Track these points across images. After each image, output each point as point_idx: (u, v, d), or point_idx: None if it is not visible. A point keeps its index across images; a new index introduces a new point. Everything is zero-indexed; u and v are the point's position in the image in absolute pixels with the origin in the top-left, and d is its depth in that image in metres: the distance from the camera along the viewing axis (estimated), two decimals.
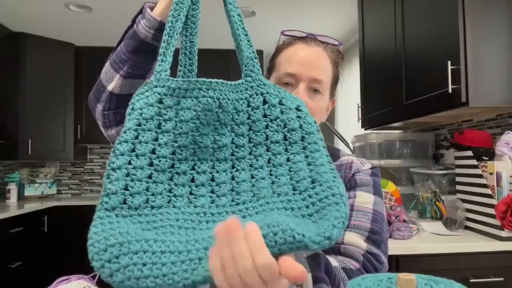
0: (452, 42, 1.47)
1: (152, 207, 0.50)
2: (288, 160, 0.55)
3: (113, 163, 0.50)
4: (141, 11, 0.67)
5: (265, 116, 0.57)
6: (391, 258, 1.38)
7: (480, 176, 1.54)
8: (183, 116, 0.54)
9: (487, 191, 1.49)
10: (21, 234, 2.91)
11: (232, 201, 0.53)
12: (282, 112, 0.57)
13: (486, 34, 1.46)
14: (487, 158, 1.56)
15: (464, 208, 1.65)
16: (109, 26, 3.44)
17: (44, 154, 3.62)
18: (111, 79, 0.69)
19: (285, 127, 0.56)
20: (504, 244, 1.42)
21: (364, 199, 0.76)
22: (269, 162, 0.55)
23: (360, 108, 2.44)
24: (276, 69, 0.80)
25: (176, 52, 0.58)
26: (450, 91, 1.44)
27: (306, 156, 0.55)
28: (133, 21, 0.68)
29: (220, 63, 3.84)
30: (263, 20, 3.34)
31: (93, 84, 0.75)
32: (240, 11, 0.61)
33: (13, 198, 3.47)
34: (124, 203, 0.49)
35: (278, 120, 0.56)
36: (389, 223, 1.57)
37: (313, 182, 0.52)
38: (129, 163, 0.50)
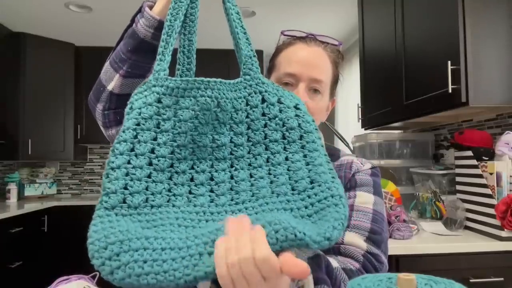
0: (452, 42, 1.47)
1: (152, 206, 0.50)
2: (286, 159, 0.55)
3: (112, 162, 0.50)
4: (140, 10, 0.67)
5: (263, 114, 0.57)
6: (391, 258, 1.38)
7: (480, 176, 1.54)
8: (181, 115, 0.54)
9: (487, 191, 1.49)
10: (21, 234, 2.91)
11: (232, 200, 0.53)
12: (280, 111, 0.57)
13: (486, 34, 1.46)
14: (487, 158, 1.56)
15: (464, 208, 1.65)
16: (109, 26, 3.44)
17: (44, 154, 3.62)
18: (110, 79, 0.69)
19: (283, 125, 0.56)
20: (504, 244, 1.42)
21: (364, 199, 0.76)
22: (267, 161, 0.55)
23: (360, 108, 2.44)
24: (276, 69, 0.80)
25: (175, 51, 0.58)
26: (450, 91, 1.44)
27: (305, 156, 0.55)
28: (132, 20, 0.68)
29: (220, 63, 3.84)
30: (263, 20, 3.34)
31: (93, 84, 0.75)
32: (238, 9, 0.61)
33: (13, 198, 3.47)
34: (124, 202, 0.49)
35: (276, 118, 0.56)
36: (389, 223, 1.57)
37: (312, 182, 0.52)
38: (129, 162, 0.51)
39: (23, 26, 3.46)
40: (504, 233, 1.43)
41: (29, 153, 3.48)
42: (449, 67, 1.44)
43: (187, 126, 0.54)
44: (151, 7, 0.65)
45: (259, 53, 3.79)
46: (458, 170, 1.70)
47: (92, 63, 3.66)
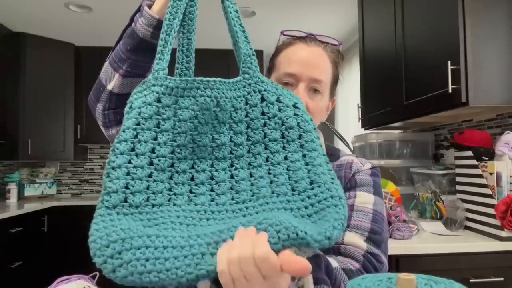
0: (452, 42, 1.46)
1: (153, 205, 0.50)
2: (286, 158, 0.55)
3: (113, 162, 0.50)
4: (139, 9, 0.66)
5: (263, 113, 0.57)
6: (391, 258, 1.38)
7: (480, 176, 1.54)
8: (181, 115, 0.54)
9: (487, 191, 1.49)
10: (21, 234, 2.91)
11: (232, 199, 0.53)
12: (280, 110, 0.57)
13: (486, 34, 1.46)
14: (487, 158, 1.56)
15: (464, 208, 1.65)
16: (109, 26, 3.44)
17: (44, 154, 3.62)
18: (110, 79, 0.69)
19: (283, 124, 0.56)
20: (504, 244, 1.42)
21: (364, 199, 0.76)
22: (267, 161, 0.55)
23: (360, 108, 2.44)
24: (276, 69, 0.80)
25: (174, 50, 0.57)
26: (450, 91, 1.44)
27: (304, 155, 0.55)
28: (131, 20, 0.68)
29: (220, 63, 3.84)
30: (263, 20, 3.34)
31: (93, 84, 0.74)
32: (237, 7, 0.61)
33: (13, 198, 3.46)
34: (125, 201, 0.49)
35: (276, 118, 0.56)
36: (389, 223, 1.57)
37: (311, 183, 0.53)
38: (129, 162, 0.51)
39: (23, 26, 3.46)
40: (504, 233, 1.43)
41: (29, 153, 3.47)
42: (449, 67, 1.44)
43: (187, 125, 0.54)
44: (150, 6, 0.65)
45: (259, 53, 3.79)
46: (458, 170, 1.70)
47: (92, 63, 3.66)
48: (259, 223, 0.46)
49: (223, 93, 0.55)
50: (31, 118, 3.51)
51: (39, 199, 3.64)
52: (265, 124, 0.56)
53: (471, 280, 1.38)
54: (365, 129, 2.43)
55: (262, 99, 0.57)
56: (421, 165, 2.10)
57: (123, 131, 0.52)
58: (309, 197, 0.51)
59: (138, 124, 0.52)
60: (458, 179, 1.70)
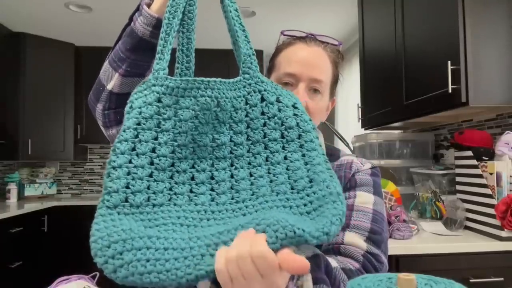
0: (452, 42, 1.47)
1: (154, 205, 0.50)
2: (285, 158, 0.55)
3: (114, 161, 0.50)
4: (138, 8, 0.66)
5: (263, 113, 0.57)
6: (391, 258, 1.38)
7: (480, 176, 1.54)
8: (182, 115, 0.54)
9: (487, 191, 1.49)
10: (21, 234, 2.91)
11: (232, 199, 0.53)
12: (279, 110, 0.57)
13: (486, 34, 1.46)
14: (487, 158, 1.56)
15: (464, 208, 1.65)
16: (109, 26, 3.44)
17: (44, 154, 3.62)
18: (110, 78, 0.69)
19: (282, 125, 0.56)
20: (504, 244, 1.42)
21: (364, 199, 0.76)
22: (267, 160, 0.55)
23: (360, 108, 2.44)
24: (276, 69, 0.80)
25: (173, 50, 0.57)
26: (450, 91, 1.44)
27: (303, 155, 0.55)
28: (131, 19, 0.68)
29: (220, 63, 3.84)
30: (263, 20, 3.34)
31: (93, 84, 0.74)
32: (237, 6, 0.61)
33: (13, 198, 3.47)
34: (126, 201, 0.49)
35: (275, 118, 0.57)
36: (389, 223, 1.57)
37: (310, 181, 0.53)
38: (130, 161, 0.51)
39: (23, 26, 3.46)
40: (504, 233, 1.43)
41: (29, 153, 3.48)
42: (449, 67, 1.44)
43: (188, 125, 0.54)
44: (149, 5, 0.65)
45: (259, 53, 3.79)
46: (458, 170, 1.70)
47: (92, 63, 3.65)
48: (257, 224, 0.46)
49: (224, 93, 0.55)
50: (31, 118, 3.51)
51: (39, 199, 3.64)
52: (265, 124, 0.56)
53: (471, 280, 1.38)
54: (365, 129, 2.43)
55: (262, 99, 0.57)
56: (421, 165, 2.10)
57: (124, 131, 0.52)
58: (308, 195, 0.52)
59: (138, 124, 0.53)
60: (458, 179, 1.70)
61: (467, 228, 1.65)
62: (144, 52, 0.66)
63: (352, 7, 2.93)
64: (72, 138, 3.77)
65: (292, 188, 0.53)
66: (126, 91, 0.69)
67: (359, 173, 0.80)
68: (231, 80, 0.56)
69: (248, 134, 0.56)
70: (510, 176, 1.44)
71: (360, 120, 2.44)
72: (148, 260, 0.44)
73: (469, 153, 1.60)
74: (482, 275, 1.40)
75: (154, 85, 0.54)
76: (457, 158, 1.70)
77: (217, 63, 3.83)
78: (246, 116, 0.56)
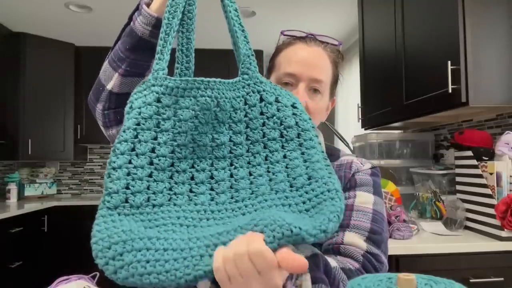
0: (452, 42, 1.47)
1: (154, 206, 0.51)
2: (284, 157, 0.56)
3: (114, 162, 0.50)
4: (137, 8, 0.66)
5: (262, 113, 0.57)
6: (391, 258, 1.38)
7: (480, 176, 1.54)
8: (181, 115, 0.54)
9: (487, 191, 1.49)
10: (21, 234, 2.91)
11: (231, 198, 0.53)
12: (278, 110, 0.57)
13: (486, 34, 1.46)
14: (487, 158, 1.56)
15: (464, 208, 1.65)
16: (109, 26, 3.44)
17: (44, 154, 3.62)
18: (110, 78, 0.69)
19: (281, 124, 0.57)
20: (504, 244, 1.42)
21: (364, 199, 0.76)
22: (266, 160, 0.56)
23: (360, 108, 2.44)
24: (276, 69, 0.80)
25: (173, 50, 0.58)
26: (450, 91, 1.44)
27: (302, 153, 0.56)
28: (130, 19, 0.68)
29: (220, 63, 3.84)
30: (263, 20, 3.34)
31: (93, 84, 0.74)
32: (236, 6, 0.61)
33: (13, 198, 3.47)
34: (126, 201, 0.49)
35: (274, 117, 0.57)
36: (389, 223, 1.57)
37: (309, 179, 0.53)
38: (130, 162, 0.51)
39: (23, 26, 3.46)
40: (504, 233, 1.43)
41: (29, 153, 3.48)
42: (449, 67, 1.44)
43: (187, 125, 0.54)
44: (148, 5, 0.65)
45: (259, 53, 3.79)
46: (458, 170, 1.70)
47: (92, 63, 3.65)
48: (255, 225, 0.46)
49: (223, 94, 0.55)
50: (31, 118, 3.51)
51: (39, 199, 3.64)
52: (264, 124, 0.57)
53: (471, 280, 1.38)
54: (365, 129, 2.43)
55: (261, 99, 0.57)
56: (421, 165, 2.10)
57: (124, 131, 0.52)
58: (306, 192, 0.52)
59: (138, 124, 0.53)
60: (458, 179, 1.70)
61: (467, 228, 1.65)
62: (143, 52, 0.66)
63: (352, 7, 2.93)
64: (72, 138, 3.77)
65: (291, 186, 0.53)
66: (126, 91, 0.69)
67: (359, 173, 0.80)
68: (231, 80, 0.57)
69: (247, 134, 0.56)
70: (510, 176, 1.44)
71: (360, 120, 2.44)
72: (147, 261, 0.44)
73: (469, 153, 1.60)
74: (482, 275, 1.40)
75: (153, 85, 0.55)
76: (457, 158, 1.70)
77: (217, 63, 3.83)
78: (245, 116, 0.57)
